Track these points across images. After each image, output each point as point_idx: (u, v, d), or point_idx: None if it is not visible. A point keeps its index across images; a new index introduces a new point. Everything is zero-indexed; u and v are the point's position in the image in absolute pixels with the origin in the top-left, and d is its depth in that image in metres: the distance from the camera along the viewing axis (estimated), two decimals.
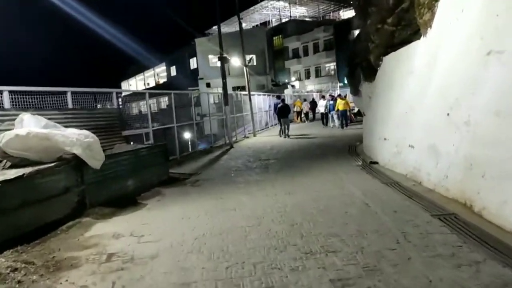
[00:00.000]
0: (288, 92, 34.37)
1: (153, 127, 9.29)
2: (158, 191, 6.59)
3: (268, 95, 21.09)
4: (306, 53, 53.90)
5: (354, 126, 16.55)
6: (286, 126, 15.12)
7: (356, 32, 48.32)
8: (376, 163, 7.50)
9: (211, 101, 16.55)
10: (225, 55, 12.98)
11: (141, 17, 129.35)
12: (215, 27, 60.27)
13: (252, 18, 59.74)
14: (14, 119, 5.27)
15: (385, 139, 7.21)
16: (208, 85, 36.87)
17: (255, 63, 39.82)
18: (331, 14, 65.25)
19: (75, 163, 5.03)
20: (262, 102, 19.43)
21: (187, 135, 13.13)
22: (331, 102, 17.94)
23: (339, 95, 18.76)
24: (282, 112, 15.06)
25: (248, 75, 15.87)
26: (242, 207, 5.17)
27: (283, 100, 15.93)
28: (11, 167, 4.69)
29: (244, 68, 15.87)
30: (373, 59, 7.80)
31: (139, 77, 57.02)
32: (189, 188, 6.96)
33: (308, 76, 54.74)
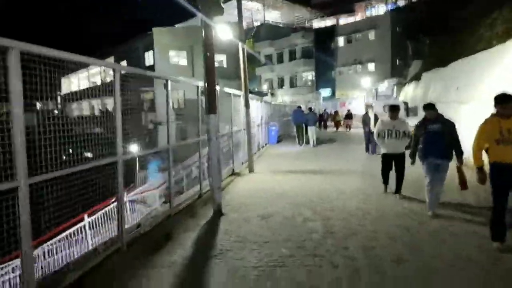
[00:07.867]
0: (267, 100, 27.58)
1: None
2: None
3: (262, 102, 13.66)
4: (280, 60, 48.10)
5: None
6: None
7: (341, 39, 43.54)
8: None
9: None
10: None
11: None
12: (177, 25, 52.04)
13: (219, 18, 52.72)
14: None
15: None
16: (165, 86, 29.35)
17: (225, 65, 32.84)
18: (306, 23, 60.43)
19: None
20: (255, 112, 12.00)
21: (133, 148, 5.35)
22: (436, 126, 4.98)
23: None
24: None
25: (245, 57, 8.68)
26: None
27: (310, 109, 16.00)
28: None
29: (239, 45, 8.68)
30: None
31: (83, 73, 47.08)
32: None
33: (281, 85, 48.82)
